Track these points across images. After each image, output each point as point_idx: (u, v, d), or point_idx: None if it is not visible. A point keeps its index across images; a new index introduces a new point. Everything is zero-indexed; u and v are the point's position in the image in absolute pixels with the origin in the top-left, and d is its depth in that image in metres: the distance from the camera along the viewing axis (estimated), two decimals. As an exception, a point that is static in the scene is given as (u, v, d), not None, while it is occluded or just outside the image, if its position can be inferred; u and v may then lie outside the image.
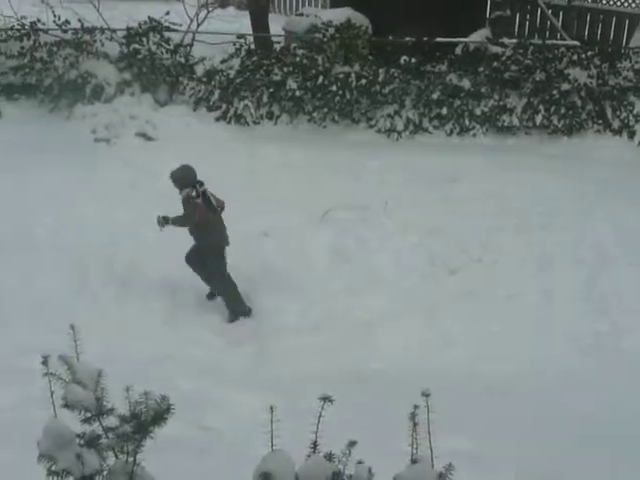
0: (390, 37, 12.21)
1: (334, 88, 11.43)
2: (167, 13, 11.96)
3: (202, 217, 7.43)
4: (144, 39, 11.85)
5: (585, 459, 5.16)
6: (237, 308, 7.73)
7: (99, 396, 2.75)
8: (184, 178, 7.51)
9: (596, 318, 7.67)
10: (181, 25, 12.19)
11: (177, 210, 7.61)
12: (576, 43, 12.65)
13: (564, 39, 13.55)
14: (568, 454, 5.21)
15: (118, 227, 8.75)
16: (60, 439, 2.67)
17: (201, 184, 7.50)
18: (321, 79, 11.47)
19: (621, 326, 7.51)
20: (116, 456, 2.78)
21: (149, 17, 12.05)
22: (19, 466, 3.38)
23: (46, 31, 11.93)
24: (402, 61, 11.68)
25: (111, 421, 2.76)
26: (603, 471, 5.01)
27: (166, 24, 11.98)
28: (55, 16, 11.82)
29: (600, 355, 7.15)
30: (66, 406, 2.73)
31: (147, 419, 2.70)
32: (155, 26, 11.94)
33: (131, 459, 2.77)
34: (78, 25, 11.91)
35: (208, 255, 7.65)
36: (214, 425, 5.40)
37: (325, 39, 11.88)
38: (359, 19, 12.72)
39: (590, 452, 5.27)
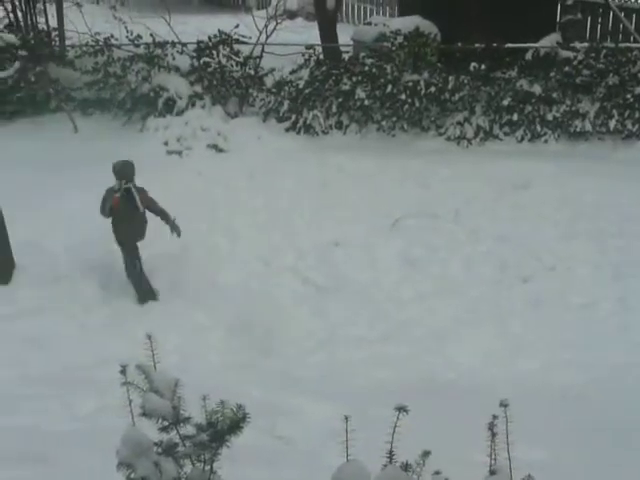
0: (459, 44, 12.14)
1: (403, 96, 11.40)
2: (236, 26, 12.10)
3: (114, 211, 7.78)
4: (214, 52, 12.02)
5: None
6: (144, 293, 8.07)
7: (176, 405, 2.79)
8: (120, 172, 7.85)
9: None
10: (250, 37, 12.32)
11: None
12: (650, 46, 12.38)
13: (637, 42, 13.28)
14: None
15: (193, 236, 8.88)
16: (138, 447, 2.72)
17: (127, 182, 7.80)
18: (390, 88, 11.45)
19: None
20: (193, 464, 2.82)
21: (219, 30, 12.21)
22: (99, 474, 3.45)
23: (119, 46, 12.22)
24: (471, 68, 11.60)
25: (188, 430, 2.80)
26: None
27: (235, 37, 12.12)
28: (127, 31, 12.09)
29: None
30: (144, 415, 2.78)
31: (223, 428, 2.74)
32: (225, 39, 12.09)
33: (208, 467, 2.81)
34: (150, 40, 12.15)
35: (122, 246, 8.05)
36: (287, 434, 5.42)
37: (394, 47, 11.87)
38: (427, 27, 12.68)
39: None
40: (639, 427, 5.77)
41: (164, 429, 2.80)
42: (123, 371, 2.83)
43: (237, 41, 12.16)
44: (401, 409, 2.66)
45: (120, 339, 6.89)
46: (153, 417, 2.78)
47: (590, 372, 6.77)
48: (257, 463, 4.75)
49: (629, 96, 11.24)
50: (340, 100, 11.56)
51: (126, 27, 12.07)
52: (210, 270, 8.46)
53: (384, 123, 11.60)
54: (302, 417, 5.72)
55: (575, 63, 11.65)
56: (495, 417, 2.67)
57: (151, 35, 12.17)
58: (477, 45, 11.93)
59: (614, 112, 11.28)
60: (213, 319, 7.73)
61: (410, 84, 11.44)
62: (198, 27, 15.23)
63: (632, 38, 13.99)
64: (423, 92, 11.40)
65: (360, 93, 11.45)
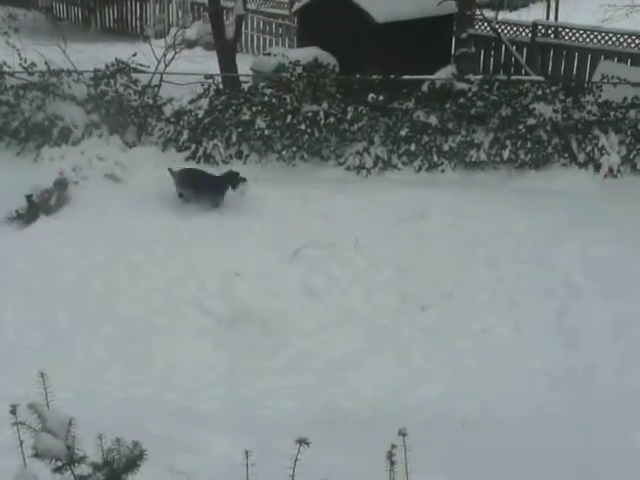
0: (357, 75, 12.32)
1: (303, 127, 11.48)
2: (134, 54, 11.97)
3: None
4: (111, 81, 11.84)
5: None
6: None
7: (70, 444, 2.70)
8: None
9: (567, 351, 7.69)
10: (149, 66, 12.20)
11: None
12: (540, 78, 12.83)
13: (528, 74, 13.76)
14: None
15: (88, 270, 8.71)
16: (30, 489, 2.62)
17: None
18: (290, 118, 11.52)
19: (592, 359, 7.53)
20: (88, 505, 2.73)
21: (116, 59, 12.05)
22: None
23: (12, 74, 11.90)
24: (370, 98, 11.77)
25: (83, 469, 2.71)
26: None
27: (133, 65, 11.99)
28: (21, 59, 11.79)
29: (572, 389, 7.15)
30: (36, 455, 2.68)
31: (120, 466, 2.66)
32: (122, 68, 11.93)
33: (103, 508, 2.72)
34: (45, 68, 11.88)
35: None
36: (188, 469, 5.30)
37: (293, 78, 11.96)
38: (326, 58, 12.86)
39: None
40: (538, 452, 5.90)
41: (58, 470, 2.71)
42: (13, 410, 2.73)
43: (135, 70, 12.01)
44: (302, 441, 2.65)
45: (10, 376, 6.65)
46: (46, 457, 2.68)
47: (489, 398, 6.88)
48: (156, 501, 4.63)
49: (521, 127, 11.59)
50: (240, 130, 11.55)
51: (20, 55, 11.78)
52: (109, 303, 8.28)
53: (284, 153, 11.63)
54: (203, 452, 5.62)
55: (469, 95, 11.96)
56: (394, 446, 2.68)
57: (46, 63, 11.91)
58: (375, 76, 12.13)
59: (507, 142, 11.62)
60: (112, 353, 7.55)
61: (310, 114, 11.53)
62: (95, 55, 14.99)
63: (523, 71, 14.50)
64: (322, 122, 11.51)
65: (260, 123, 11.47)
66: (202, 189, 10.17)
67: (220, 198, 10.16)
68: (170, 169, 10.17)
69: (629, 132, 11.71)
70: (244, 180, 10.11)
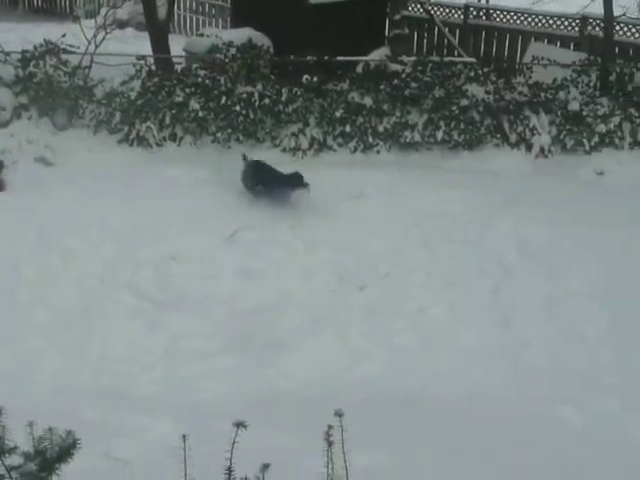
0: (291, 56, 12.27)
1: (237, 108, 11.40)
2: (64, 35, 11.72)
3: None
4: (40, 62, 11.57)
5: (498, 468, 5.24)
6: None
7: (0, 434, 2.64)
8: None
9: (501, 330, 7.82)
10: (79, 47, 11.96)
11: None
12: (473, 60, 12.96)
13: (461, 56, 13.88)
14: (482, 467, 5.28)
15: (20, 256, 8.53)
16: (-40, 481, 2.56)
17: None
18: (224, 99, 11.42)
19: (524, 337, 7.68)
20: (21, 495, 2.67)
21: (45, 39, 11.78)
22: None
23: None
24: (304, 80, 11.74)
25: (14, 460, 2.66)
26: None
27: (63, 46, 11.73)
28: (-55, 40, 11.46)
29: (506, 367, 7.28)
30: (-35, 446, 2.62)
31: (52, 455, 2.61)
32: (52, 49, 11.66)
33: (37, 498, 2.67)
34: (-30, 48, 11.58)
35: None
36: (125, 455, 5.26)
37: (227, 59, 11.86)
38: (260, 39, 12.76)
39: (504, 464, 5.36)
40: (474, 429, 6.00)
41: (-12, 460, 2.65)
42: (-59, 401, 2.66)
43: (65, 51, 11.76)
44: (239, 424, 2.64)
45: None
46: (-25, 449, 2.63)
47: (425, 377, 6.97)
48: (93, 488, 4.59)
49: (454, 108, 11.69)
50: (173, 112, 11.41)
51: (-56, 35, 11.44)
52: (42, 289, 8.13)
53: (219, 135, 11.54)
54: (140, 436, 5.58)
55: (403, 76, 12.01)
56: (331, 426, 2.69)
57: (-29, 43, 11.60)
58: (309, 58, 12.10)
59: (441, 123, 11.71)
60: (46, 340, 7.42)
61: (244, 96, 11.45)
62: (23, 36, 14.61)
63: (456, 52, 14.62)
64: (257, 104, 11.44)
65: (194, 105, 11.35)
66: (270, 184, 9.98)
67: (287, 197, 9.93)
68: (244, 156, 10.31)
69: (559, 113, 11.91)
70: (307, 184, 9.73)
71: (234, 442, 2.69)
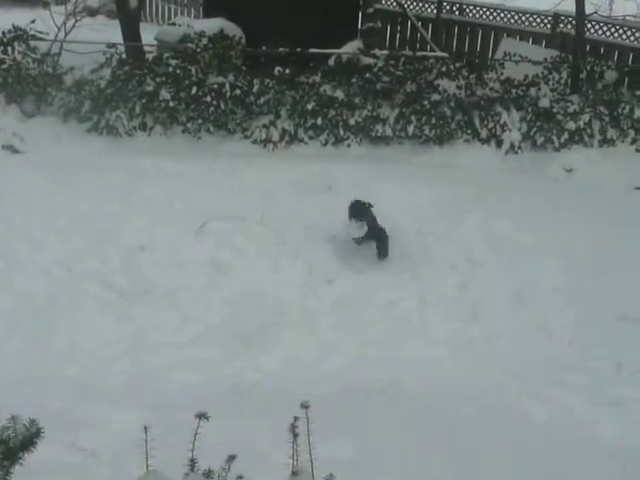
0: (263, 47, 12.24)
1: (208, 99, 11.35)
2: (33, 21, 11.59)
3: None
4: (9, 48, 11.44)
5: (466, 462, 5.27)
6: None
7: (-38, 423, 2.61)
8: None
9: (469, 323, 7.88)
10: (48, 34, 11.83)
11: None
12: (445, 55, 13.02)
13: (433, 51, 13.93)
14: (449, 457, 5.31)
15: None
16: None
17: None
18: (195, 90, 11.37)
19: (492, 330, 7.74)
20: (-17, 485, 2.65)
21: (14, 25, 11.64)
22: None
23: None
24: (276, 72, 11.72)
25: (-23, 449, 2.63)
26: (487, 474, 5.12)
27: (32, 33, 11.60)
28: None
29: (473, 359, 7.33)
30: None
31: (15, 444, 2.58)
32: (20, 35, 11.53)
33: (0, 487, 2.65)
34: (-63, 34, 11.40)
35: None
36: (90, 446, 5.23)
37: (198, 49, 11.79)
38: (232, 29, 12.72)
39: (470, 455, 5.39)
40: (441, 420, 6.03)
41: (-52, 450, 2.61)
42: None
43: (34, 37, 11.63)
44: (202, 415, 2.63)
45: None
46: (-63, 438, 2.59)
47: (394, 369, 6.99)
48: (58, 478, 4.55)
49: (426, 103, 11.74)
50: (144, 101, 11.34)
51: None
52: (7, 277, 8.04)
53: (190, 125, 11.49)
54: (106, 427, 5.54)
55: (375, 70, 12.04)
56: (297, 418, 2.69)
57: (-62, 29, 11.43)
58: (281, 49, 12.08)
59: (412, 118, 11.75)
60: (9, 328, 7.34)
61: (215, 86, 11.40)
62: (-9, 22, 14.45)
63: (428, 47, 14.67)
64: (228, 95, 11.40)
65: (165, 94, 11.29)
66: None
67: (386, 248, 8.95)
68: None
69: (530, 109, 12.00)
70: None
71: (196, 433, 2.69)
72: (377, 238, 8.90)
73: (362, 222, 8.84)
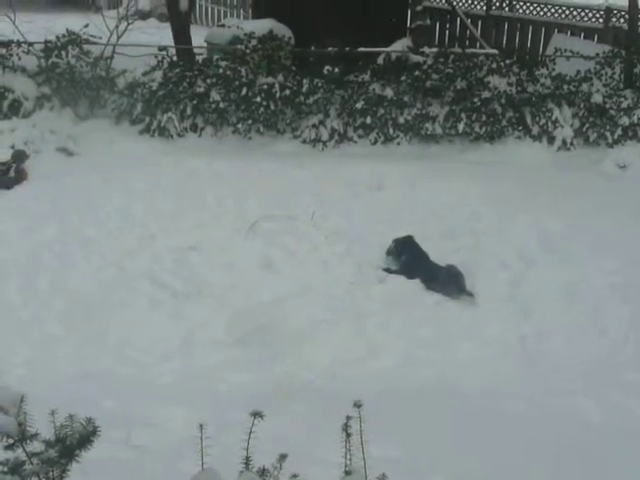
0: (312, 47, 12.26)
1: (258, 99, 11.41)
2: (86, 26, 11.78)
3: None
4: (63, 52, 11.64)
5: (517, 461, 5.23)
6: None
7: (21, 421, 2.67)
8: None
9: (520, 321, 7.79)
10: (101, 38, 12.02)
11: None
12: (495, 51, 12.90)
13: (483, 48, 13.82)
14: (500, 457, 5.27)
15: (40, 244, 8.60)
16: (-18, 468, 2.59)
17: None
18: (245, 90, 11.44)
19: (544, 328, 7.64)
20: (41, 482, 2.70)
21: (67, 30, 11.84)
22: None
23: (-39, 45, 11.65)
24: (325, 71, 11.73)
25: (35, 446, 2.68)
26: (537, 473, 5.07)
27: (85, 37, 11.80)
28: (-31, 30, 11.55)
29: (525, 357, 7.25)
30: (-13, 433, 2.64)
31: (73, 443, 2.63)
32: (74, 39, 11.73)
33: (57, 484, 2.70)
34: (-6, 39, 11.65)
35: None
36: (143, 444, 5.29)
37: (248, 50, 11.86)
38: (281, 30, 12.77)
39: (522, 454, 5.35)
40: (491, 419, 5.98)
41: (9, 447, 2.67)
42: (-38, 388, 2.69)
43: (87, 41, 11.83)
44: (256, 414, 2.65)
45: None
46: (-3, 435, 2.65)
47: (443, 368, 6.95)
48: (112, 475, 4.62)
49: (476, 100, 11.65)
50: (195, 102, 11.45)
51: (-33, 25, 11.53)
52: (62, 277, 8.18)
53: (240, 126, 11.56)
54: (158, 425, 5.61)
55: (425, 67, 11.98)
56: (349, 417, 2.69)
57: (-6, 34, 11.68)
58: (330, 49, 12.09)
59: (462, 115, 11.67)
60: (65, 328, 7.47)
61: (265, 87, 11.46)
62: (45, 26, 14.73)
63: (478, 44, 14.55)
64: (278, 95, 11.45)
65: (215, 95, 11.38)
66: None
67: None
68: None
69: (582, 105, 11.84)
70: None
71: (251, 432, 2.71)
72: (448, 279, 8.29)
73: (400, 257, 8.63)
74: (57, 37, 11.77)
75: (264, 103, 11.43)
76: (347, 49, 12.05)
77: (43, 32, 12.69)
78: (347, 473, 2.70)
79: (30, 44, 11.82)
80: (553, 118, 11.68)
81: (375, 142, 11.68)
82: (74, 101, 11.56)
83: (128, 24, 12.41)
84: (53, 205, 9.38)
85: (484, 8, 16.48)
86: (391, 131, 11.70)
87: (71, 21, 13.30)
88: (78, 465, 2.70)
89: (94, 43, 11.89)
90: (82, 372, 6.74)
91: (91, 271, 8.30)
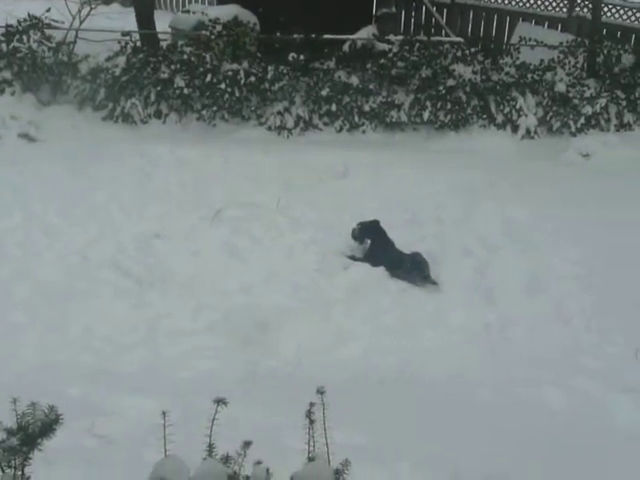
0: (278, 34, 12.21)
1: (223, 86, 11.35)
2: (48, 10, 11.63)
3: None
4: (24, 37, 11.48)
5: (479, 447, 5.27)
6: None
7: (-18, 409, 2.64)
8: None
9: (485, 309, 7.85)
10: (63, 22, 11.86)
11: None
12: (460, 40, 12.95)
13: (448, 36, 13.86)
14: (466, 444, 5.31)
15: (2, 232, 8.50)
16: (-59, 456, 2.55)
17: None
18: (209, 77, 11.37)
19: (508, 316, 7.71)
20: (2, 470, 2.67)
21: (29, 14, 11.67)
22: None
23: None
24: (290, 58, 11.69)
25: (-3, 435, 2.65)
26: (503, 460, 5.12)
27: (47, 21, 11.64)
28: None
29: (488, 344, 7.31)
30: (-54, 422, 2.61)
31: (35, 431, 2.61)
32: (36, 23, 11.58)
33: (19, 473, 2.67)
34: (-47, 23, 11.46)
35: None
36: (107, 433, 5.26)
37: (213, 36, 11.79)
38: (246, 16, 12.70)
39: (484, 440, 5.39)
40: (455, 407, 6.03)
41: (-30, 435, 2.64)
42: None
43: (49, 26, 11.68)
44: (220, 401, 2.64)
45: None
46: (-42, 424, 2.62)
47: (409, 355, 6.99)
48: (75, 464, 4.58)
49: (441, 88, 11.69)
50: (159, 89, 11.36)
51: None
52: (25, 265, 8.08)
53: (204, 112, 11.50)
54: (123, 414, 5.56)
55: (390, 55, 11.99)
56: (313, 404, 2.70)
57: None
58: (296, 36, 12.05)
59: (427, 103, 11.71)
60: (29, 316, 7.39)
61: (230, 73, 11.40)
62: (6, 10, 14.49)
63: (443, 32, 14.59)
64: (243, 82, 11.40)
65: (179, 82, 11.30)
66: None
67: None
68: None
69: (546, 94, 11.94)
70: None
71: (214, 419, 2.71)
72: (412, 267, 8.27)
73: (365, 242, 8.70)
74: (18, 21, 11.60)
75: (229, 90, 11.37)
76: (312, 36, 12.02)
77: (4, 16, 12.48)
78: (310, 459, 2.71)
79: (-10, 28, 11.64)
80: (517, 107, 11.76)
81: (340, 130, 11.68)
82: (36, 86, 11.42)
83: (91, 9, 12.27)
84: (15, 192, 9.26)
85: (450, -4, 16.52)
86: (356, 119, 11.71)
87: (33, 5, 13.08)
88: (40, 454, 2.68)
89: (56, 28, 11.74)
90: (45, 360, 6.68)
91: (55, 259, 8.22)
